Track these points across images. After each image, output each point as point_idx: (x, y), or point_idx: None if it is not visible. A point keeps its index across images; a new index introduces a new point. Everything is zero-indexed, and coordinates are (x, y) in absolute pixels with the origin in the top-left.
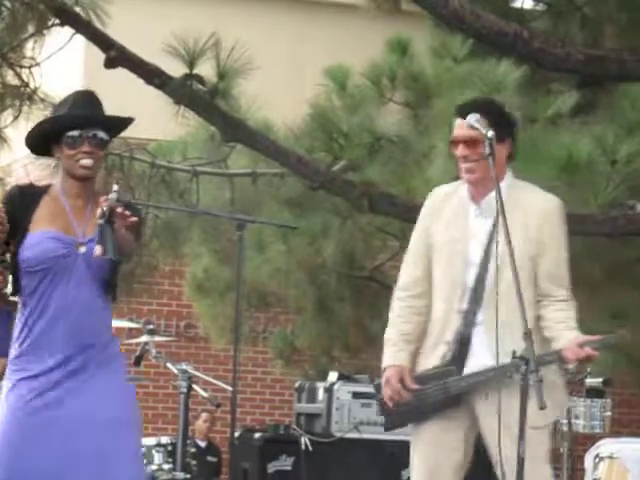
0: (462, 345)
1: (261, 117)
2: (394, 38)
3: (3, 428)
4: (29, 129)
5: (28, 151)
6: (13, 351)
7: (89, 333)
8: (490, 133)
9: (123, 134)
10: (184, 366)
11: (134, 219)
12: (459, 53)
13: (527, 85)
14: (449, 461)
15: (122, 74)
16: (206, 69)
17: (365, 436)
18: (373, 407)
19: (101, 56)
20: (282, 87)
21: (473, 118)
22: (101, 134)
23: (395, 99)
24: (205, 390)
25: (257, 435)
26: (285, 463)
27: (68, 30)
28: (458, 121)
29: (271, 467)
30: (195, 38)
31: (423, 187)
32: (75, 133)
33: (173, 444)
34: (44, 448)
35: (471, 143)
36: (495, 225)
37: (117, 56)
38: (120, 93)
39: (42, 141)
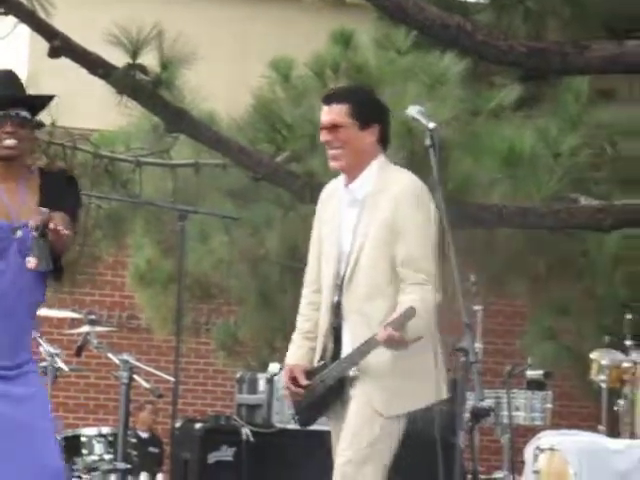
0: (337, 338)
1: (205, 108)
2: (338, 30)
3: None
4: None
5: None
6: None
7: (23, 319)
8: (431, 125)
9: (66, 124)
10: (125, 356)
11: (67, 232)
12: (402, 45)
13: (470, 78)
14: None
15: (66, 64)
16: (149, 59)
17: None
18: None
19: (46, 45)
20: (226, 78)
21: (414, 110)
22: (24, 113)
23: None
24: (147, 381)
25: (198, 425)
26: (226, 453)
27: (12, 19)
28: (324, 108)
29: (212, 457)
30: (138, 28)
31: None
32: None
33: (114, 434)
34: None
35: (332, 129)
36: (360, 213)
37: (61, 46)
38: (64, 83)
39: None
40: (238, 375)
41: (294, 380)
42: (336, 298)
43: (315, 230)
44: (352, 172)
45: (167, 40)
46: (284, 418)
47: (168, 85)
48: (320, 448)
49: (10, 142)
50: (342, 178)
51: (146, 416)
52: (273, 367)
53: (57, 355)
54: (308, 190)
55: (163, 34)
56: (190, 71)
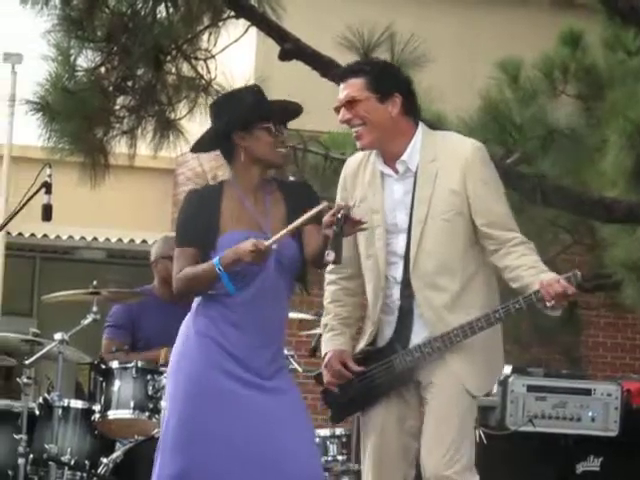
0: (404, 318)
1: (434, 109)
2: (566, 30)
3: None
4: (204, 121)
5: None
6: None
7: (277, 326)
8: None
9: (296, 126)
10: None
11: (366, 226)
12: (632, 46)
13: None
14: (398, 445)
15: (293, 66)
16: None
17: (539, 429)
18: (548, 400)
19: (273, 48)
20: (454, 79)
21: None
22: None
23: (567, 92)
24: None
25: None
26: None
27: (242, 22)
28: (340, 86)
29: None
30: (369, 31)
31: (595, 180)
32: (273, 122)
33: (347, 435)
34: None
35: (350, 105)
36: (415, 185)
37: (292, 48)
38: (292, 85)
39: (222, 134)
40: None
41: (344, 365)
42: (399, 276)
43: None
44: (383, 148)
45: (398, 43)
46: (518, 420)
47: None
48: (554, 450)
49: (284, 151)
50: (374, 157)
51: None
52: (506, 369)
53: (292, 356)
54: (539, 192)
55: (394, 36)
56: (419, 73)
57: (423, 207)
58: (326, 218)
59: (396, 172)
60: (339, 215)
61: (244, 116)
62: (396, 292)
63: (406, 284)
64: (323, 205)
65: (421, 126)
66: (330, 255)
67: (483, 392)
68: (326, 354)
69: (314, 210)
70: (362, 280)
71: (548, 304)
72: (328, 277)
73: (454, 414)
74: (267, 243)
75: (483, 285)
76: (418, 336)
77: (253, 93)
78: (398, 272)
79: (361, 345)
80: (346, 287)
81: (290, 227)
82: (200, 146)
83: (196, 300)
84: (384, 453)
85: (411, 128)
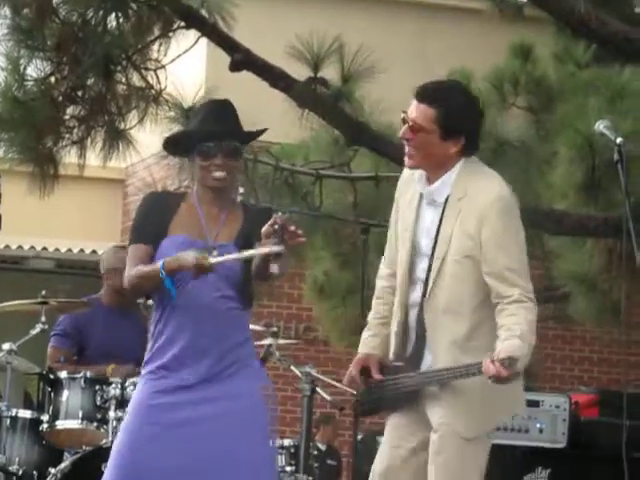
0: (418, 341)
1: (384, 120)
2: (517, 43)
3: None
4: (154, 131)
5: (153, 152)
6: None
7: (223, 338)
8: (619, 140)
9: None
10: (307, 369)
11: (302, 239)
12: (582, 58)
13: None
14: (405, 460)
15: (244, 77)
16: (330, 73)
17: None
18: None
19: (224, 59)
20: (405, 91)
21: (602, 124)
22: (234, 144)
23: (518, 104)
24: (326, 393)
25: (379, 438)
26: None
27: (193, 33)
28: (413, 102)
29: None
30: (319, 42)
31: (545, 192)
32: (209, 144)
33: (296, 446)
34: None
35: (416, 128)
36: (442, 217)
37: (242, 59)
38: (243, 96)
39: (176, 147)
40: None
41: (367, 370)
42: (418, 299)
43: (394, 212)
44: (428, 172)
45: (348, 54)
46: None
47: (348, 98)
48: (502, 464)
49: (219, 174)
50: (419, 175)
51: (330, 429)
52: None
53: None
54: None
55: (344, 47)
56: (370, 84)
57: (444, 245)
58: (264, 230)
59: (430, 196)
60: (276, 227)
61: (182, 136)
62: (413, 313)
63: (421, 308)
64: (280, 248)
65: (463, 161)
66: (274, 267)
67: (479, 433)
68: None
69: (267, 249)
70: None
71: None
72: (379, 271)
73: (444, 465)
74: (213, 261)
75: (493, 331)
76: (427, 361)
77: (206, 110)
78: (416, 294)
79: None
80: (390, 285)
81: (242, 255)
82: (168, 148)
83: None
84: (392, 460)
85: (456, 163)
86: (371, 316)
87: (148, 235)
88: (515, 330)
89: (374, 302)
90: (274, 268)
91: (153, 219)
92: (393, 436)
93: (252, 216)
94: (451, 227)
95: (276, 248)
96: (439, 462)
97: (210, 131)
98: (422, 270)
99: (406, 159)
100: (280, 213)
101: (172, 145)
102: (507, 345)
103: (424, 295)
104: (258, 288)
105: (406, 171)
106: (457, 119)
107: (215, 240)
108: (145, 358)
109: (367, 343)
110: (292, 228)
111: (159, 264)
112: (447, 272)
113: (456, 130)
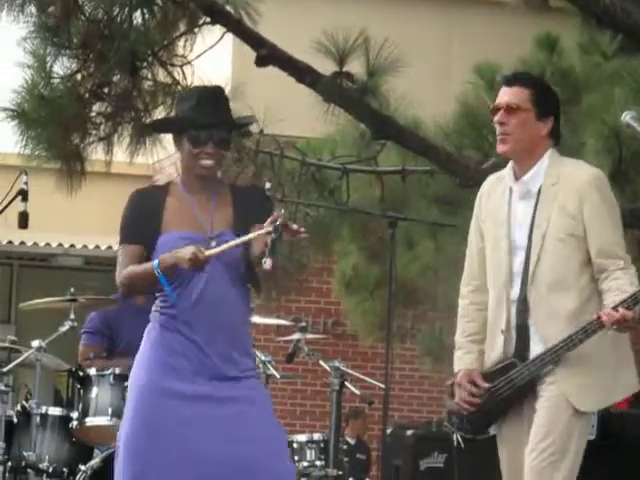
0: (521, 334)
1: (410, 114)
2: (543, 35)
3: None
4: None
5: None
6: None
7: (230, 328)
8: None
9: (273, 132)
10: (336, 363)
11: (304, 235)
12: (608, 49)
13: None
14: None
15: (269, 72)
16: (355, 67)
17: None
18: None
19: (249, 55)
20: (430, 84)
21: (628, 115)
22: (225, 134)
23: None
24: (355, 387)
25: (409, 432)
26: (437, 460)
27: (218, 28)
28: (504, 88)
29: (423, 464)
30: (345, 36)
31: None
32: (202, 132)
33: (325, 441)
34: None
35: (509, 111)
36: (536, 205)
37: (268, 54)
38: (269, 91)
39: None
40: (449, 381)
41: (474, 384)
42: (516, 294)
43: (473, 227)
44: (519, 159)
45: (373, 47)
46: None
47: (374, 92)
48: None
49: (208, 163)
50: (508, 171)
51: (360, 423)
52: None
53: (269, 362)
54: None
55: (369, 41)
56: (395, 77)
57: (542, 227)
58: (265, 225)
59: (521, 189)
60: (277, 223)
61: (176, 121)
62: (513, 308)
63: (522, 300)
64: (282, 214)
65: (551, 151)
66: (267, 263)
67: (593, 408)
68: (457, 373)
69: (264, 229)
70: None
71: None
72: (461, 290)
73: (553, 431)
74: (207, 253)
75: (600, 307)
76: (534, 351)
77: (200, 97)
78: (515, 289)
79: (493, 356)
80: (474, 301)
81: (236, 241)
82: (158, 127)
83: (152, 311)
84: (518, 465)
85: (545, 152)
86: (459, 335)
87: (139, 234)
88: (624, 288)
89: (460, 321)
90: (267, 263)
91: (143, 218)
92: (509, 437)
93: (242, 196)
94: (548, 211)
95: (268, 233)
96: (546, 429)
97: (206, 120)
98: (520, 264)
99: (499, 145)
100: (282, 210)
101: (163, 125)
102: (620, 294)
103: (523, 284)
104: (284, 283)
105: (490, 179)
106: (548, 98)
107: (212, 229)
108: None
109: (463, 360)
110: (293, 225)
111: (153, 263)
112: (549, 251)
113: (547, 109)
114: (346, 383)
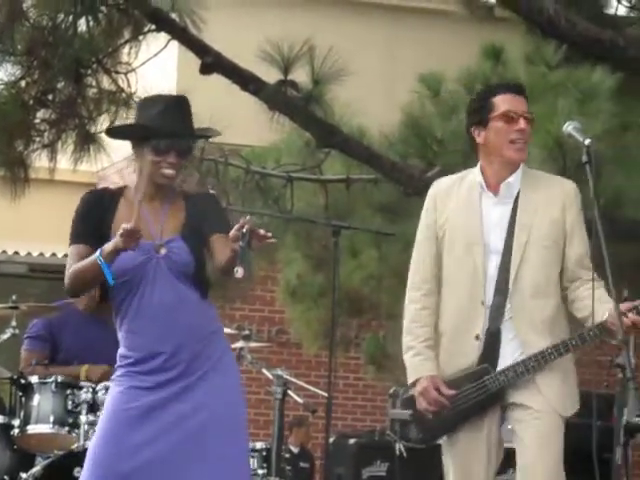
0: (492, 340)
1: (355, 123)
2: (488, 45)
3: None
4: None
5: (124, 155)
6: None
7: (186, 331)
8: (587, 141)
9: (218, 140)
10: (279, 372)
11: (273, 240)
12: (553, 59)
13: (621, 92)
14: (481, 469)
15: (215, 80)
16: (300, 75)
17: None
18: None
19: (195, 62)
20: (375, 93)
21: (570, 126)
22: (188, 144)
23: None
24: (299, 396)
25: (352, 441)
26: (379, 469)
27: (163, 36)
28: (515, 96)
29: (365, 472)
30: (290, 44)
31: None
32: (164, 141)
33: (267, 449)
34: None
35: (530, 122)
36: (515, 210)
37: (213, 62)
38: (214, 99)
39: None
40: (392, 390)
41: (438, 392)
42: (490, 298)
43: (426, 233)
44: (504, 171)
45: (318, 56)
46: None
47: (319, 100)
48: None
49: (170, 172)
50: (475, 177)
51: (303, 431)
52: None
53: None
54: None
55: (314, 50)
56: (340, 86)
57: (524, 233)
58: (232, 233)
59: (495, 194)
60: (244, 230)
61: (138, 130)
62: (487, 313)
63: (497, 305)
64: (248, 220)
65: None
66: (239, 271)
67: (570, 412)
68: (417, 380)
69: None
70: (439, 298)
71: (616, 337)
72: (409, 294)
73: (554, 442)
74: (132, 221)
75: (566, 313)
76: (505, 359)
77: (167, 104)
78: (489, 294)
79: (461, 362)
80: (426, 305)
81: None
82: (118, 133)
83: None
84: (469, 472)
85: None
86: (413, 340)
87: (88, 236)
88: (605, 297)
89: (411, 326)
90: (239, 272)
91: (93, 220)
92: (467, 445)
93: (195, 204)
94: (529, 218)
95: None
96: (547, 440)
97: (172, 129)
98: (494, 268)
99: (520, 153)
100: (248, 216)
101: (124, 132)
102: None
103: (498, 289)
104: (231, 292)
105: (442, 183)
106: None
107: (161, 237)
108: (117, 362)
109: (425, 366)
110: (260, 231)
111: (95, 253)
112: (532, 257)
113: None
114: (289, 392)
